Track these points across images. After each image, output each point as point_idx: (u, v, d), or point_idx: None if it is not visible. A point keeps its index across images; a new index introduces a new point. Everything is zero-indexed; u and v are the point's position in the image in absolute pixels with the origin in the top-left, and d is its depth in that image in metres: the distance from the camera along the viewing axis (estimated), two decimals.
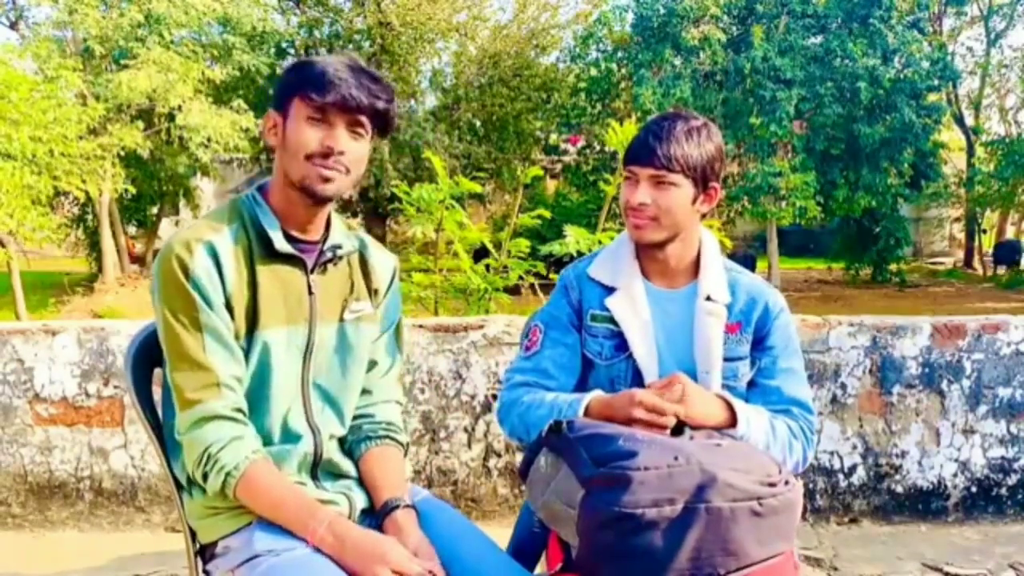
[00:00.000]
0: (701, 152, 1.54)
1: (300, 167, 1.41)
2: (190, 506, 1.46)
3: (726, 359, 1.57)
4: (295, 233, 1.48)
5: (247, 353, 1.42)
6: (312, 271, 1.49)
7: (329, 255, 1.51)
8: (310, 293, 1.48)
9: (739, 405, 1.48)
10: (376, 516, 1.47)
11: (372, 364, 1.59)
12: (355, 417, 1.57)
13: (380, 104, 1.42)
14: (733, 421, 1.46)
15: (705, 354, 1.57)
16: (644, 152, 1.53)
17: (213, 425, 1.35)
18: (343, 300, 1.53)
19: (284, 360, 1.45)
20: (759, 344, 1.60)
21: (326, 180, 1.41)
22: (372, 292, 1.59)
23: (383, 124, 1.46)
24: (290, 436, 1.46)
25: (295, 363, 1.47)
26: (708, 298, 1.58)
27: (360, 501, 1.50)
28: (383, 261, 1.62)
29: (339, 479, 1.51)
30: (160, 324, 1.40)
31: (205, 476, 1.36)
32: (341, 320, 1.52)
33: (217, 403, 1.36)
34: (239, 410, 1.39)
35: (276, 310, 1.44)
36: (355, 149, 1.43)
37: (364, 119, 1.42)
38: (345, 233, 1.56)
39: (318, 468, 1.49)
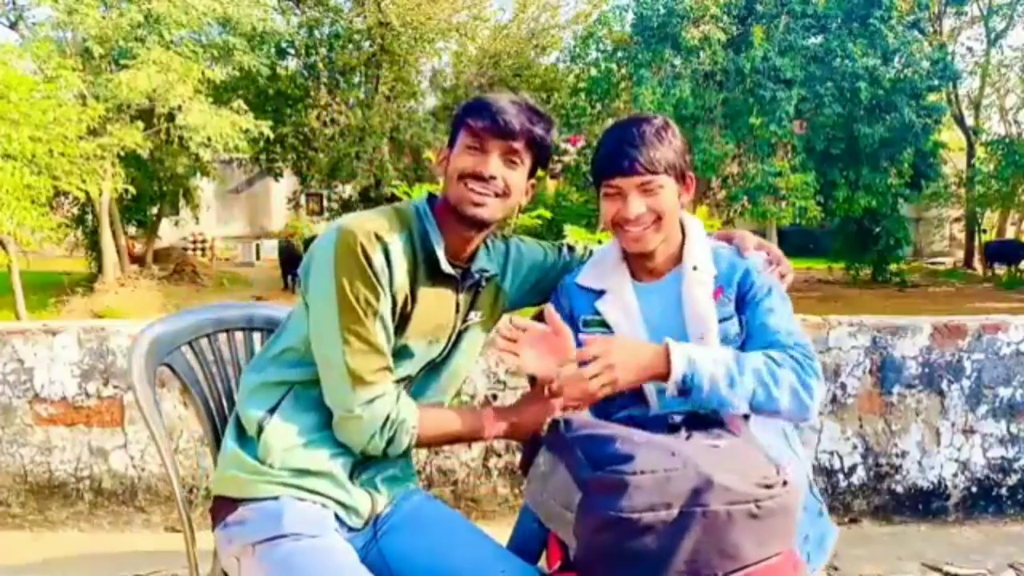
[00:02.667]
0: (674, 149, 1.56)
1: (456, 188, 1.48)
2: (230, 452, 1.47)
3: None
4: (450, 258, 1.53)
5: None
6: (460, 291, 1.55)
7: (476, 278, 1.57)
8: (456, 312, 1.55)
9: (675, 346, 1.43)
10: (386, 519, 1.51)
11: (545, 258, 1.76)
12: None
13: (536, 130, 1.48)
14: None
15: (698, 320, 1.56)
16: (625, 163, 1.52)
17: (381, 400, 1.42)
18: (466, 314, 1.59)
19: (407, 366, 1.51)
20: (743, 300, 1.59)
21: (477, 204, 1.47)
22: (500, 293, 1.67)
23: (540, 152, 1.52)
24: None
25: (414, 369, 1.53)
26: (695, 268, 1.59)
27: (381, 503, 1.51)
28: (515, 264, 1.70)
29: (376, 473, 1.52)
30: (333, 302, 1.41)
31: (391, 440, 1.43)
32: (459, 333, 1.58)
33: (388, 383, 1.44)
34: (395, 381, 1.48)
35: (425, 325, 1.50)
36: (509, 176, 1.48)
37: (519, 146, 1.47)
38: (488, 256, 1.63)
39: (364, 461, 1.51)
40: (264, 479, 1.42)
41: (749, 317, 1.57)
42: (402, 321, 1.47)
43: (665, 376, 1.41)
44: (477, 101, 1.51)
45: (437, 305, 1.51)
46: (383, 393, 1.43)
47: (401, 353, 1.49)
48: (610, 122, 3.96)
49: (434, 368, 1.57)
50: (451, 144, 1.53)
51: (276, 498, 1.40)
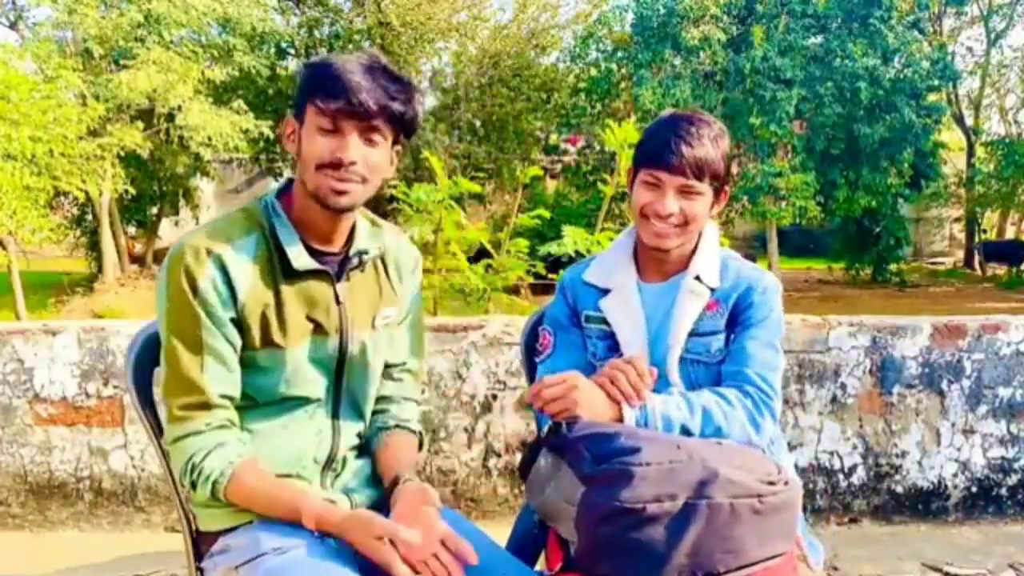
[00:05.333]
0: (723, 160, 1.55)
1: (312, 177, 1.35)
2: (196, 495, 1.46)
3: (698, 334, 1.56)
4: (317, 245, 1.43)
5: (267, 364, 1.40)
6: (339, 280, 1.44)
7: (355, 262, 1.47)
8: (338, 303, 1.44)
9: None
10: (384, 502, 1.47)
11: (389, 363, 1.56)
12: (372, 414, 1.56)
13: (396, 106, 1.33)
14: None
15: (676, 329, 1.56)
16: (675, 160, 1.50)
17: (196, 438, 1.35)
18: (373, 307, 1.50)
19: (308, 370, 1.43)
20: (736, 318, 1.57)
21: (339, 192, 1.34)
22: (395, 292, 1.56)
23: (403, 127, 1.38)
24: (310, 436, 1.47)
25: (323, 372, 1.46)
26: (697, 278, 1.59)
27: (362, 503, 1.49)
28: (404, 257, 1.59)
29: (348, 479, 1.51)
30: (162, 335, 1.37)
31: (194, 484, 1.36)
32: (373, 328, 1.50)
33: (202, 421, 1.35)
34: (228, 422, 1.38)
35: (298, 325, 1.40)
36: (370, 157, 1.35)
37: (379, 124, 1.34)
38: (370, 235, 1.51)
39: (330, 465, 1.49)
40: (233, 509, 1.39)
41: (735, 337, 1.57)
42: (268, 327, 1.37)
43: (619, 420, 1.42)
44: (323, 71, 1.32)
45: (307, 301, 1.40)
46: (193, 432, 1.34)
47: (282, 361, 1.40)
48: (610, 122, 3.95)
49: (348, 368, 1.48)
50: (298, 114, 1.38)
51: (251, 521, 1.39)
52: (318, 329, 1.43)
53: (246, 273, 1.35)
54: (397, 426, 1.56)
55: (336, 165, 1.33)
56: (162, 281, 1.36)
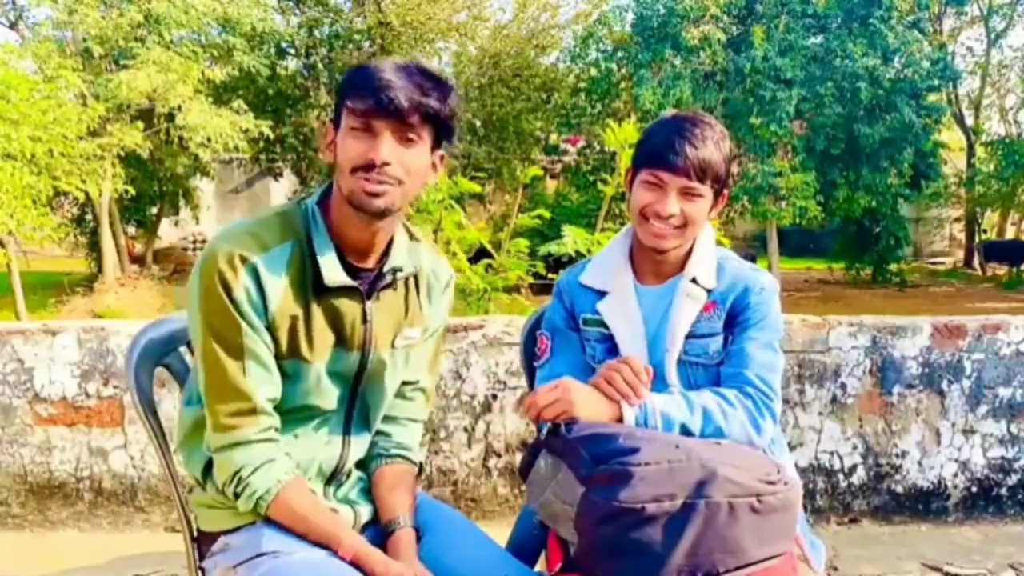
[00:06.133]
0: (724, 162, 1.54)
1: (347, 181, 1.31)
2: (197, 497, 1.46)
3: (696, 336, 1.56)
4: (352, 260, 1.39)
5: (288, 373, 1.38)
6: (368, 297, 1.41)
7: (387, 279, 1.42)
8: (364, 322, 1.41)
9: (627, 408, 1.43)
10: (379, 531, 1.47)
11: (403, 380, 1.54)
12: (375, 433, 1.55)
13: (430, 103, 1.28)
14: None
15: (672, 334, 1.56)
16: (679, 160, 1.49)
17: (244, 449, 1.33)
18: (396, 325, 1.47)
19: (327, 383, 1.42)
20: (734, 319, 1.57)
21: (371, 194, 1.29)
22: (422, 312, 1.53)
23: (441, 126, 1.33)
24: (320, 447, 1.46)
25: (340, 385, 1.44)
26: (694, 280, 1.58)
27: (365, 514, 1.50)
28: (438, 277, 1.55)
29: (350, 489, 1.51)
30: (199, 339, 1.33)
31: (237, 495, 1.35)
32: (392, 347, 1.47)
33: (251, 429, 1.33)
34: (272, 430, 1.36)
35: (323, 339, 1.38)
36: (405, 157, 1.30)
37: (413, 122, 1.28)
38: (407, 251, 1.47)
39: (335, 476, 1.49)
40: (234, 510, 1.39)
41: (733, 339, 1.56)
42: (296, 338, 1.35)
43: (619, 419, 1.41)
44: (358, 73, 1.30)
45: (335, 317, 1.38)
46: (241, 442, 1.33)
47: (304, 373, 1.38)
48: (610, 122, 3.95)
49: (365, 384, 1.47)
50: (336, 123, 1.34)
51: (252, 522, 1.38)
52: (340, 342, 1.41)
53: (278, 285, 1.33)
54: (399, 455, 1.54)
55: (369, 166, 1.28)
56: (195, 285, 1.33)
